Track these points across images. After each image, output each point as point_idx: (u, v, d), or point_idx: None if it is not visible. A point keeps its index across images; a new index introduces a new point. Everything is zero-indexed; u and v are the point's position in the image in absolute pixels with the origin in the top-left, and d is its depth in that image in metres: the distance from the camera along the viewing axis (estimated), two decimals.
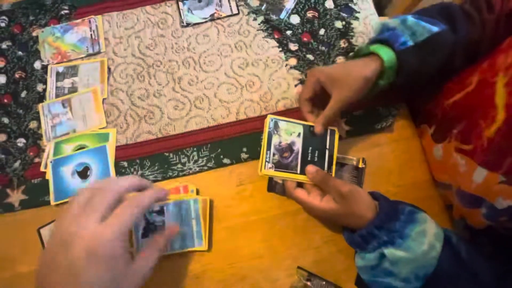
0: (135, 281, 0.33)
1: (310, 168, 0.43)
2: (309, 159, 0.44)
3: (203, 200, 0.47)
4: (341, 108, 0.43)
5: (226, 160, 0.50)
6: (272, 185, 0.49)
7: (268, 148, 0.43)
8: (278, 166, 0.43)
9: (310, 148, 0.44)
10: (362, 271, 0.41)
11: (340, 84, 0.42)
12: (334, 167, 0.45)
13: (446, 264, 0.36)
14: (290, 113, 0.52)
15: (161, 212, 0.46)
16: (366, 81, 0.42)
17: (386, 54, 0.42)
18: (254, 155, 0.50)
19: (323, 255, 0.47)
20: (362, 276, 0.41)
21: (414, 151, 0.51)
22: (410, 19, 0.43)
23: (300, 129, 0.45)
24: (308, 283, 0.45)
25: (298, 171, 0.43)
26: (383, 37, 0.44)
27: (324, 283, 0.45)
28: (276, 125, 0.44)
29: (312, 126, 0.45)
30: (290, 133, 0.44)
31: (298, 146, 0.44)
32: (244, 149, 0.51)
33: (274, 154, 0.43)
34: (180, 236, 0.46)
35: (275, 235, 0.48)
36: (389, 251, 0.37)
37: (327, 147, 0.45)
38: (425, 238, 0.37)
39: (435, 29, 0.42)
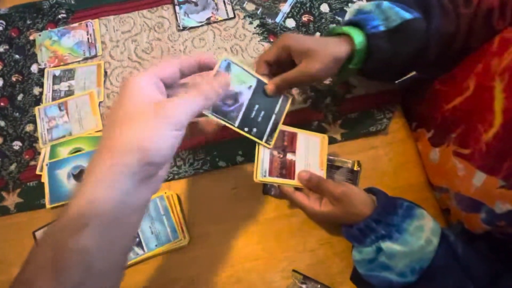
0: (161, 113, 0.28)
1: (303, 174, 0.43)
2: (252, 116, 0.39)
3: (168, 196, 0.48)
4: (303, 79, 0.40)
5: (221, 163, 0.50)
6: (268, 188, 0.49)
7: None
8: (216, 111, 0.37)
9: (257, 106, 0.40)
10: (359, 265, 0.41)
11: (311, 56, 0.39)
12: (325, 167, 0.45)
13: (442, 260, 0.37)
14: (286, 116, 0.52)
15: None
16: (337, 61, 0.40)
17: (357, 35, 0.41)
18: (250, 158, 0.50)
19: (319, 258, 0.47)
20: (359, 270, 0.41)
21: (409, 153, 0.51)
22: (385, 3, 0.42)
23: (253, 82, 0.40)
24: (303, 286, 0.45)
25: (236, 124, 0.38)
26: (356, 19, 0.42)
27: (319, 286, 0.45)
28: (227, 68, 0.38)
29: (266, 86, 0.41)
30: (241, 82, 0.39)
31: (245, 98, 0.39)
32: (240, 152, 0.51)
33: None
34: (155, 236, 0.46)
35: (270, 238, 0.48)
36: (386, 245, 0.37)
37: (275, 112, 0.41)
38: (422, 233, 0.37)
39: (408, 16, 0.40)
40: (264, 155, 0.42)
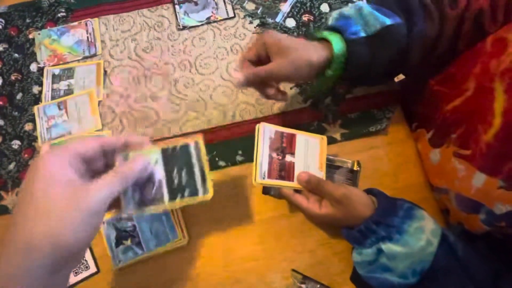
0: (78, 203, 0.27)
1: (302, 176, 0.42)
2: (176, 183, 0.37)
3: None
4: (272, 77, 0.40)
5: (221, 163, 0.50)
6: (267, 188, 0.49)
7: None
8: (143, 204, 0.35)
9: (175, 170, 0.37)
10: (359, 267, 0.41)
11: (284, 55, 0.39)
12: (325, 169, 0.45)
13: (443, 261, 0.36)
14: (286, 116, 0.52)
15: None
16: (310, 66, 0.40)
17: (336, 42, 0.40)
18: (250, 158, 0.50)
19: (318, 258, 0.47)
20: (359, 271, 0.41)
21: (409, 153, 0.51)
22: (366, 8, 0.42)
23: (156, 155, 0.37)
24: (303, 286, 0.45)
25: (167, 201, 0.36)
26: (336, 25, 0.42)
27: (318, 286, 0.45)
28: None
29: (175, 146, 0.38)
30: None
31: (160, 174, 0.37)
32: (240, 152, 0.51)
33: (133, 196, 0.35)
34: (154, 236, 0.46)
35: (270, 238, 0.48)
36: (386, 246, 0.37)
37: (194, 162, 0.38)
38: (423, 234, 0.37)
39: (388, 21, 0.40)
40: (262, 157, 0.41)
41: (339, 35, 0.41)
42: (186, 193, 0.38)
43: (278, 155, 0.43)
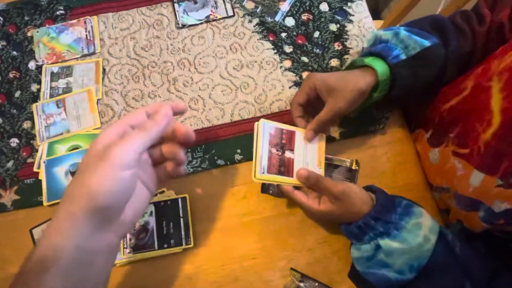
0: (106, 157, 0.29)
1: (302, 172, 0.43)
2: (164, 233, 0.46)
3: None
4: (334, 117, 0.43)
5: (220, 161, 0.50)
6: (266, 187, 0.49)
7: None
8: (137, 248, 0.45)
9: (164, 222, 0.46)
10: (357, 263, 0.41)
11: (336, 94, 0.42)
12: (323, 166, 0.45)
13: (440, 257, 0.37)
14: (284, 115, 0.52)
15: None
16: (361, 94, 0.43)
17: (380, 67, 0.43)
18: (248, 157, 0.50)
19: (317, 257, 0.47)
20: (357, 267, 0.41)
21: (407, 153, 0.51)
22: (403, 32, 0.44)
23: (151, 208, 0.47)
24: (301, 285, 0.45)
25: (156, 247, 0.45)
26: (376, 50, 0.45)
27: (317, 284, 0.45)
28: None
29: (163, 201, 0.47)
30: (143, 214, 0.47)
31: (152, 224, 0.46)
32: (238, 151, 0.51)
33: (130, 239, 0.46)
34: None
35: (269, 236, 0.48)
36: (384, 242, 0.38)
37: (181, 215, 0.47)
38: (421, 230, 0.38)
39: (426, 43, 0.43)
40: (262, 152, 0.42)
41: (380, 60, 0.44)
42: (172, 243, 0.46)
43: (277, 151, 0.43)
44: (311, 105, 0.46)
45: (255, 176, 0.42)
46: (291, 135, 0.44)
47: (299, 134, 0.45)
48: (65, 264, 0.27)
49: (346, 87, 0.42)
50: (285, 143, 0.44)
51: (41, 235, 0.29)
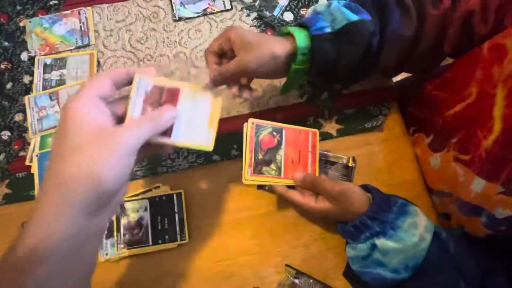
0: (112, 140, 0.28)
1: (298, 175, 0.42)
2: (159, 228, 0.45)
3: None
4: (240, 72, 0.40)
5: (216, 157, 0.50)
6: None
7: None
8: (131, 244, 0.45)
9: (159, 217, 0.46)
10: (352, 262, 0.41)
11: (248, 49, 0.39)
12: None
13: (435, 257, 0.37)
14: (282, 110, 0.52)
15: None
16: (273, 58, 0.39)
17: (301, 36, 0.40)
18: None
19: (312, 253, 0.47)
20: (353, 266, 0.41)
21: (404, 150, 0.51)
22: (335, 4, 0.41)
23: (146, 203, 0.47)
24: (296, 281, 0.45)
25: (150, 243, 0.45)
26: (302, 21, 0.42)
27: (311, 281, 0.45)
28: (122, 207, 0.46)
29: (158, 196, 0.47)
30: (137, 210, 0.46)
31: (147, 219, 0.46)
32: (235, 146, 0.50)
33: (124, 235, 0.46)
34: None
35: (264, 233, 0.47)
36: (380, 242, 0.38)
37: (176, 211, 0.46)
38: (416, 230, 0.38)
39: (354, 17, 0.40)
40: (134, 108, 0.34)
41: (305, 31, 0.41)
42: (166, 238, 0.45)
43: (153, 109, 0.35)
44: (226, 58, 0.42)
45: (245, 179, 0.41)
46: (174, 92, 0.36)
47: (187, 89, 0.37)
48: (58, 256, 0.26)
49: (260, 46, 0.39)
50: (165, 100, 0.36)
51: (29, 222, 0.26)
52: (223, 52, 0.42)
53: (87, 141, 0.27)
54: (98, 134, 0.28)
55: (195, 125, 0.37)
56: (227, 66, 0.39)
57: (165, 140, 0.35)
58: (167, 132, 0.35)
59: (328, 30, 0.40)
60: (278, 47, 0.40)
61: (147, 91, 0.35)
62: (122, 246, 0.45)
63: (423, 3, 0.41)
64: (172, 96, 0.36)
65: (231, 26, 0.43)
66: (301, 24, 0.42)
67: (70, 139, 0.27)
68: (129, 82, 0.33)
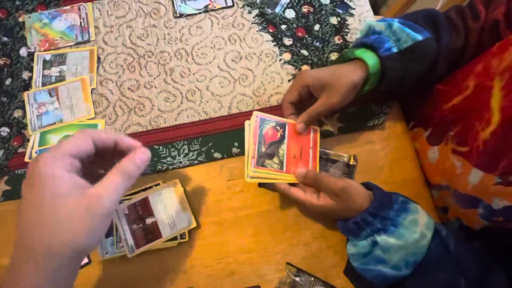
0: (92, 208, 0.28)
1: (299, 171, 0.43)
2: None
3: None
4: (327, 111, 0.44)
5: (217, 154, 0.50)
6: None
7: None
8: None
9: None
10: (353, 259, 0.41)
11: (329, 89, 0.42)
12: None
13: (435, 254, 0.37)
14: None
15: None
16: (354, 87, 0.43)
17: (371, 60, 0.43)
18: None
19: (313, 251, 0.47)
20: (353, 263, 0.41)
21: (405, 148, 0.51)
22: (396, 24, 0.44)
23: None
24: (297, 279, 0.45)
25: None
26: (369, 42, 0.44)
27: (312, 279, 0.45)
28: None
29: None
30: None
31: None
32: (236, 144, 0.50)
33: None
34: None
35: (265, 230, 0.47)
36: (381, 239, 0.38)
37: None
38: (417, 227, 0.38)
39: (419, 37, 0.42)
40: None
41: (371, 52, 0.43)
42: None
43: (137, 224, 0.44)
44: (301, 103, 0.46)
45: (247, 177, 0.41)
46: (146, 202, 0.45)
47: (151, 194, 0.45)
48: None
49: (339, 81, 0.42)
50: (143, 212, 0.45)
51: (6, 281, 0.28)
52: (300, 99, 0.45)
53: (67, 210, 0.27)
54: (78, 201, 0.28)
55: (174, 217, 0.45)
56: (315, 108, 0.43)
57: (156, 242, 0.44)
58: (157, 235, 0.44)
59: (395, 50, 0.43)
60: (354, 76, 0.43)
61: (126, 214, 0.44)
62: (121, 244, 0.44)
63: (465, 17, 0.44)
64: (145, 206, 0.45)
65: (301, 72, 0.46)
66: (365, 45, 0.45)
67: (49, 208, 0.27)
68: (112, 148, 0.33)
